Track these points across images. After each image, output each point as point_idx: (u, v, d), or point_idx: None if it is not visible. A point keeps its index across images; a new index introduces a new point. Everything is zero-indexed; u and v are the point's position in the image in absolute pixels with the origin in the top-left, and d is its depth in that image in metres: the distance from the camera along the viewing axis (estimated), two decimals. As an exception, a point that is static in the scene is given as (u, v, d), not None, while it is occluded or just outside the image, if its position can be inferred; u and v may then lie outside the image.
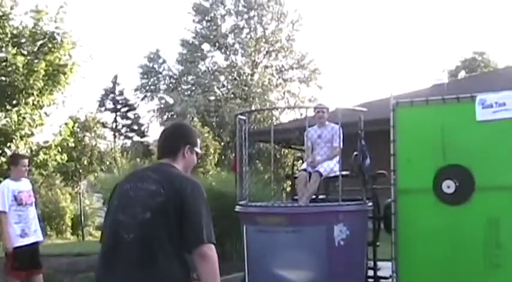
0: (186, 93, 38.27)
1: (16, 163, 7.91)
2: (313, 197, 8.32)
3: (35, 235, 7.83)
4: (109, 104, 53.41)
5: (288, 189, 16.44)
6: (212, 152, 27.77)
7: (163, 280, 3.39)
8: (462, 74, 41.69)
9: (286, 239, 7.52)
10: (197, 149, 3.83)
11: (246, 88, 37.37)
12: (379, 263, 8.41)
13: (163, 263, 3.37)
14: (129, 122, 53.64)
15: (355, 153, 8.29)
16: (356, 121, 8.39)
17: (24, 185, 7.86)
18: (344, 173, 8.08)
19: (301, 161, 9.70)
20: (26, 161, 8.13)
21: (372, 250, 8.35)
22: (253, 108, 34.94)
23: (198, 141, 3.88)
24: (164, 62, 40.10)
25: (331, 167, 8.20)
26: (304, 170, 8.38)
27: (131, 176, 3.79)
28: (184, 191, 3.46)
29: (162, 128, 37.63)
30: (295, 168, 10.32)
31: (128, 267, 3.38)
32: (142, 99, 41.67)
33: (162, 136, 3.89)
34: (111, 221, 3.56)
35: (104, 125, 27.76)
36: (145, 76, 40.10)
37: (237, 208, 8.22)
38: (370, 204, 8.11)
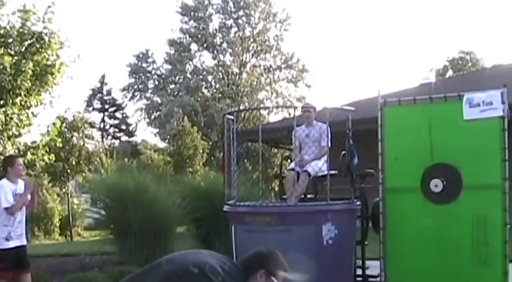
0: (174, 93, 38.24)
1: (12, 163, 7.85)
2: (302, 196, 8.33)
3: (19, 239, 7.78)
4: (97, 104, 53.23)
5: (276, 188, 16.46)
6: (201, 151, 27.78)
7: None
8: (450, 74, 41.85)
9: (275, 239, 7.49)
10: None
11: (234, 87, 37.37)
12: (368, 262, 8.43)
13: None
14: (117, 121, 53.49)
15: (343, 152, 8.31)
16: (344, 120, 8.41)
17: (20, 188, 7.84)
18: (332, 172, 8.09)
19: (289, 161, 9.71)
20: (20, 160, 8.15)
21: (360, 249, 8.37)
22: (241, 107, 34.96)
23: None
24: (154, 61, 40.02)
25: (319, 166, 8.21)
26: (293, 169, 8.38)
27: None
28: None
29: (150, 128, 37.52)
30: (284, 167, 10.33)
31: None
32: (130, 99, 41.55)
33: None
34: None
35: (91, 125, 27.68)
36: (134, 75, 39.98)
37: (226, 208, 8.23)
38: (358, 203, 8.13)
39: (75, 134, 23.27)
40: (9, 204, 7.55)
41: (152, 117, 39.68)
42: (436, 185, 7.34)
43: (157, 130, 38.45)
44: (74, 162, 23.11)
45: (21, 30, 13.41)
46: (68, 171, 23.19)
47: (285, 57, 39.72)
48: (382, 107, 7.69)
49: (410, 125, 7.63)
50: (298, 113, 9.22)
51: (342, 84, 66.82)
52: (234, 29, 39.03)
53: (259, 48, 39.35)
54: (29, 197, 7.85)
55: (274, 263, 3.69)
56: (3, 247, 7.62)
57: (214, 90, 38.70)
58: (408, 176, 7.52)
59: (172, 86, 39.28)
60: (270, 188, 19.59)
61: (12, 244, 7.66)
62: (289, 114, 27.28)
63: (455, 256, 7.21)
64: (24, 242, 7.94)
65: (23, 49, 13.36)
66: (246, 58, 39.27)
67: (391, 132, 7.65)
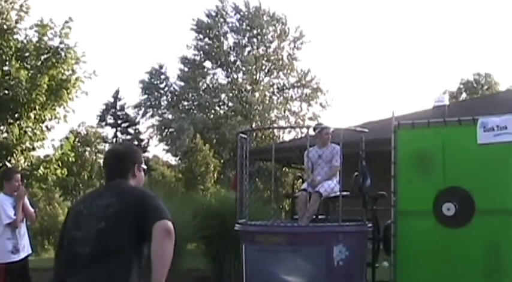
0: (186, 110, 38.32)
1: (9, 178, 7.78)
2: (313, 216, 8.30)
3: (24, 251, 7.79)
4: (110, 119, 53.37)
5: (288, 208, 16.42)
6: (212, 169, 27.77)
7: None
8: (463, 96, 41.78)
9: (286, 259, 7.50)
10: (143, 166, 3.93)
11: (247, 106, 37.43)
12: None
13: (117, 271, 3.40)
14: (129, 137, 53.57)
15: (355, 173, 8.29)
16: (357, 141, 8.39)
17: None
18: (344, 193, 8.07)
19: (301, 180, 9.69)
20: (19, 176, 7.98)
21: (371, 271, 8.32)
22: (253, 125, 35.00)
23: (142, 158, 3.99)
24: (167, 78, 40.13)
25: (331, 187, 8.19)
26: (305, 189, 8.36)
27: (84, 196, 3.94)
28: (139, 199, 3.55)
29: (161, 144, 37.39)
30: (295, 187, 10.31)
31: (82, 279, 3.41)
32: (142, 115, 41.62)
33: (108, 159, 3.96)
34: (68, 240, 3.60)
35: (104, 140, 27.81)
36: (146, 92, 40.07)
37: (237, 227, 8.21)
38: (369, 225, 8.09)
39: (88, 148, 23.38)
40: (11, 219, 7.52)
41: (164, 134, 39.73)
42: (449, 208, 7.30)
43: (169, 147, 38.49)
44: (85, 177, 23.21)
45: (37, 44, 13.55)
46: (80, 185, 23.28)
47: (298, 76, 39.75)
48: (395, 129, 7.68)
49: (424, 147, 7.60)
50: (311, 132, 9.18)
51: (355, 105, 66.60)
52: (248, 48, 39.16)
53: (272, 66, 39.45)
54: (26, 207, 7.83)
55: (137, 152, 3.96)
56: (10, 260, 7.63)
57: (227, 108, 38.76)
58: (420, 199, 7.48)
59: (185, 103, 39.36)
60: (281, 207, 19.55)
61: (18, 257, 7.67)
62: (302, 133, 27.25)
63: (466, 280, 7.15)
64: (28, 253, 7.92)
65: (39, 63, 13.48)
66: (259, 76, 39.36)
67: (405, 154, 7.63)
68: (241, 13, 38.98)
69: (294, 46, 39.66)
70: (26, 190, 8.06)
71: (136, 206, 3.48)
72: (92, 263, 3.40)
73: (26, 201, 7.91)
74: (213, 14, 38.98)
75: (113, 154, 4.04)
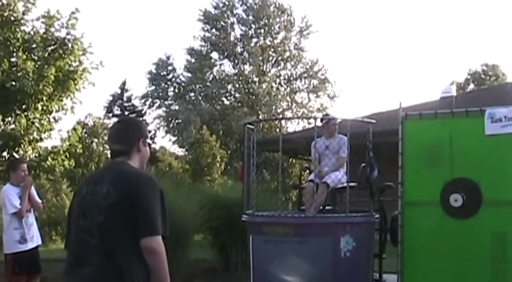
0: (193, 101, 38.30)
1: (15, 168, 7.85)
2: (320, 207, 8.31)
3: (32, 241, 7.82)
4: (117, 110, 53.42)
5: (295, 199, 16.44)
6: (219, 160, 27.78)
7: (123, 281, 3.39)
8: (471, 87, 41.64)
9: (293, 249, 7.51)
10: (149, 141, 3.87)
11: (254, 97, 37.39)
12: (385, 276, 8.37)
13: (122, 264, 3.37)
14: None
15: (363, 164, 8.28)
16: (364, 132, 8.37)
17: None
18: (351, 184, 8.07)
19: (308, 171, 9.69)
20: (25, 165, 8.04)
21: (377, 262, 8.32)
22: (260, 117, 34.97)
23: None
24: (174, 69, 40.09)
25: (338, 178, 8.19)
26: (312, 180, 8.37)
27: (88, 179, 3.82)
28: (136, 187, 3.46)
29: (168, 135, 37.40)
30: (302, 178, 10.31)
31: (91, 271, 3.40)
32: (149, 106, 41.61)
33: (113, 132, 3.89)
34: (75, 227, 3.57)
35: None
36: (154, 83, 40.05)
37: (244, 217, 8.22)
38: (377, 216, 8.09)
39: (95, 139, 23.42)
40: (16, 209, 7.57)
41: (171, 125, 39.71)
42: (456, 199, 7.29)
43: (176, 138, 38.50)
44: (93, 168, 23.27)
45: (44, 36, 13.56)
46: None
47: (305, 67, 39.67)
48: (403, 120, 7.67)
49: (431, 138, 7.59)
50: (318, 123, 9.18)
51: (362, 95, 66.57)
52: (255, 39, 39.10)
53: (279, 57, 39.38)
54: (33, 197, 7.88)
55: (142, 126, 3.90)
56: (17, 250, 7.66)
57: (233, 99, 38.73)
58: (428, 190, 7.47)
59: (191, 94, 39.33)
60: (288, 198, 19.57)
61: (25, 247, 7.70)
62: (309, 123, 27.23)
63: (473, 272, 7.15)
64: (37, 244, 7.96)
65: (46, 55, 13.50)
66: (266, 68, 39.30)
67: (412, 145, 7.62)
68: (248, 4, 38.91)
69: (301, 36, 39.58)
70: (33, 181, 8.07)
71: (129, 199, 3.41)
72: (99, 253, 3.39)
73: (33, 191, 7.95)
74: (220, 5, 38.93)
75: (118, 127, 3.95)
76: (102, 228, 3.42)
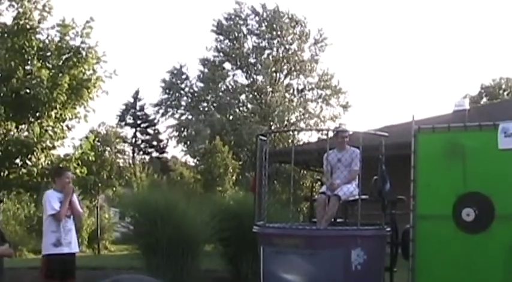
0: (205, 111, 38.35)
1: (60, 174, 8.11)
2: (332, 220, 8.28)
3: (68, 247, 7.89)
4: (129, 119, 53.64)
5: (306, 211, 16.39)
6: (231, 170, 27.77)
7: None
8: (484, 100, 41.48)
9: (303, 262, 7.49)
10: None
11: (266, 107, 37.38)
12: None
13: None
14: (148, 137, 53.81)
15: (375, 177, 8.26)
16: (376, 145, 8.35)
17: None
18: (363, 197, 8.05)
19: (319, 183, 9.67)
20: (70, 174, 8.34)
21: (388, 276, 8.28)
22: (272, 127, 34.96)
23: None
24: (187, 78, 40.14)
25: (350, 190, 8.17)
26: (324, 193, 8.35)
27: None
28: None
29: (179, 145, 37.48)
30: (314, 190, 10.29)
31: None
32: (162, 115, 41.68)
33: None
34: None
35: (123, 140, 27.94)
36: (167, 91, 40.11)
37: (255, 229, 8.21)
38: (388, 229, 8.06)
39: (108, 148, 23.48)
40: (54, 211, 7.71)
41: (183, 134, 39.75)
42: (468, 214, 7.26)
43: (187, 148, 38.55)
44: (105, 176, 23.30)
45: (59, 44, 13.65)
46: (99, 184, 23.38)
47: (318, 77, 39.62)
48: (416, 134, 7.66)
49: (444, 152, 7.56)
50: (331, 135, 9.17)
51: (375, 107, 66.47)
52: (268, 51, 39.11)
53: (292, 68, 39.38)
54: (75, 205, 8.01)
55: None
56: (51, 252, 7.75)
57: (246, 110, 38.75)
58: (440, 204, 7.45)
59: (204, 104, 39.39)
60: (299, 210, 19.53)
61: (59, 250, 7.76)
62: (322, 134, 27.20)
63: (485, 287, 7.11)
64: (73, 250, 8.03)
65: (60, 63, 13.58)
66: (278, 78, 39.29)
67: (424, 159, 7.59)
68: (260, 16, 38.93)
69: (316, 48, 39.56)
70: (74, 190, 8.27)
71: None
72: None
73: (75, 199, 8.16)
74: (233, 16, 39.00)
75: None
76: None
